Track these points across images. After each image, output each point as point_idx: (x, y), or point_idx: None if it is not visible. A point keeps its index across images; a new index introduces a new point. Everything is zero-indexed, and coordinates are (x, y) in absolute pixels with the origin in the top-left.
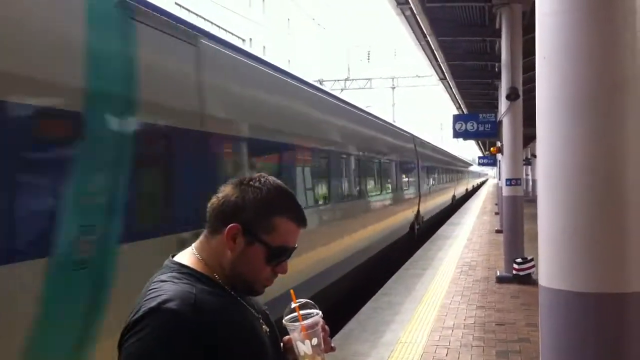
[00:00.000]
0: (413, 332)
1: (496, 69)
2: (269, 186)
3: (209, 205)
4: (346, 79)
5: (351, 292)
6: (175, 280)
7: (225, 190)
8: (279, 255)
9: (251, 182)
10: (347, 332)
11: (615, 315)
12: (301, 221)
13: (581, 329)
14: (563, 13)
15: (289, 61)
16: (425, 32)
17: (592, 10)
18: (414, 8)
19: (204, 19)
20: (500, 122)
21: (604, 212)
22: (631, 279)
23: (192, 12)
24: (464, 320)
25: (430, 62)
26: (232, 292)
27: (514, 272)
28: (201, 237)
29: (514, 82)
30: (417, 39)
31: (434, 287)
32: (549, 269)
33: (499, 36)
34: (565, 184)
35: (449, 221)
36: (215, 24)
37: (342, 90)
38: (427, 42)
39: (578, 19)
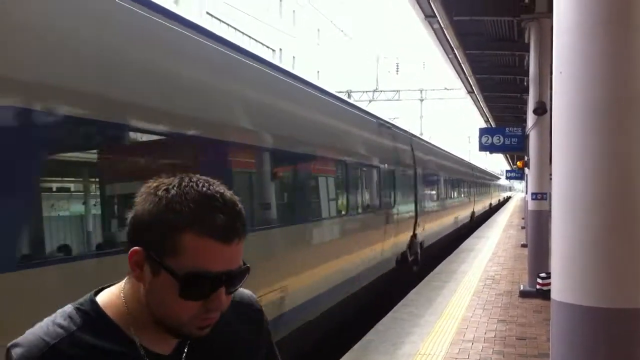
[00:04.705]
0: (432, 344)
1: (525, 83)
2: (177, 191)
3: None
4: (374, 91)
5: (372, 303)
6: (58, 319)
7: (135, 203)
8: (196, 286)
9: (154, 191)
10: (366, 342)
11: (627, 331)
12: (223, 235)
13: (592, 344)
14: (578, 28)
15: (318, 72)
16: (452, 45)
17: (606, 25)
18: (441, 21)
19: (235, 29)
20: (528, 136)
21: (617, 227)
22: None
23: (223, 22)
24: (485, 333)
25: (458, 75)
26: (142, 349)
27: (538, 286)
28: None
29: (542, 96)
30: (445, 52)
31: (455, 300)
32: (562, 283)
33: (528, 50)
34: (579, 199)
35: (473, 234)
36: (246, 34)
37: (370, 101)
38: (455, 55)
39: (593, 34)
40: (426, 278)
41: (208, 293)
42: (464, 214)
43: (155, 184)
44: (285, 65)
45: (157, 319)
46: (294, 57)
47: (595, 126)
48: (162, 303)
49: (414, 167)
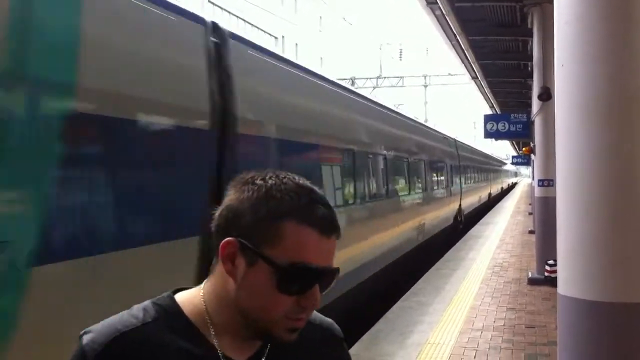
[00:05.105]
0: (441, 333)
1: (529, 68)
2: (275, 181)
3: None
4: (378, 77)
5: (381, 291)
6: (134, 311)
7: (227, 196)
8: (295, 278)
9: (251, 179)
10: (375, 332)
11: (631, 326)
12: (324, 226)
13: (596, 338)
14: (579, 21)
15: (321, 59)
16: (455, 31)
17: (608, 18)
18: (442, 8)
19: (237, 16)
20: (533, 122)
21: (622, 221)
22: None
23: (225, 9)
24: (494, 322)
25: (462, 61)
26: (219, 351)
27: (546, 274)
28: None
29: (546, 81)
30: (448, 38)
31: (464, 288)
32: (567, 277)
33: (531, 35)
34: (583, 193)
35: (481, 221)
36: (248, 22)
37: (374, 88)
38: (458, 41)
39: (594, 27)
40: (435, 266)
41: (305, 288)
42: (437, 216)
43: (249, 176)
44: None
45: (246, 317)
46: (296, 44)
47: (597, 121)
48: (256, 297)
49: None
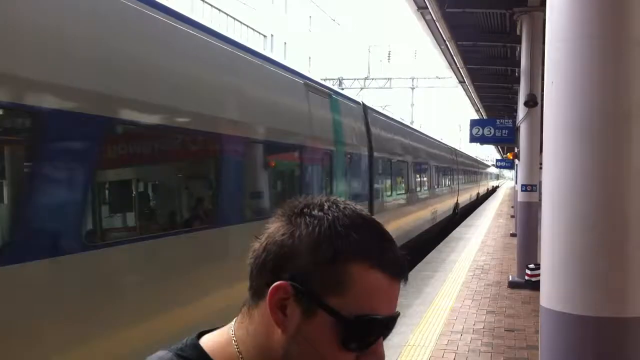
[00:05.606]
0: (421, 336)
1: (516, 74)
2: (335, 214)
3: (250, 253)
4: (366, 78)
5: None
6: None
7: (271, 227)
8: (363, 332)
9: (307, 210)
10: None
11: (615, 340)
12: (396, 270)
13: (580, 353)
14: (571, 41)
15: (309, 58)
16: (444, 37)
17: (599, 39)
18: (433, 13)
19: (227, 14)
20: (518, 127)
21: (606, 237)
22: (632, 303)
23: (214, 7)
24: (474, 325)
25: (450, 66)
26: None
27: (527, 277)
28: (244, 308)
29: (533, 88)
30: (437, 43)
31: (445, 290)
32: (551, 290)
33: (520, 42)
34: (568, 208)
35: (463, 223)
36: (237, 20)
37: (361, 89)
38: (447, 46)
39: (585, 48)
40: (416, 267)
41: (372, 342)
42: None
43: (301, 205)
44: None
45: None
46: (285, 43)
47: (585, 139)
48: (312, 354)
49: None
